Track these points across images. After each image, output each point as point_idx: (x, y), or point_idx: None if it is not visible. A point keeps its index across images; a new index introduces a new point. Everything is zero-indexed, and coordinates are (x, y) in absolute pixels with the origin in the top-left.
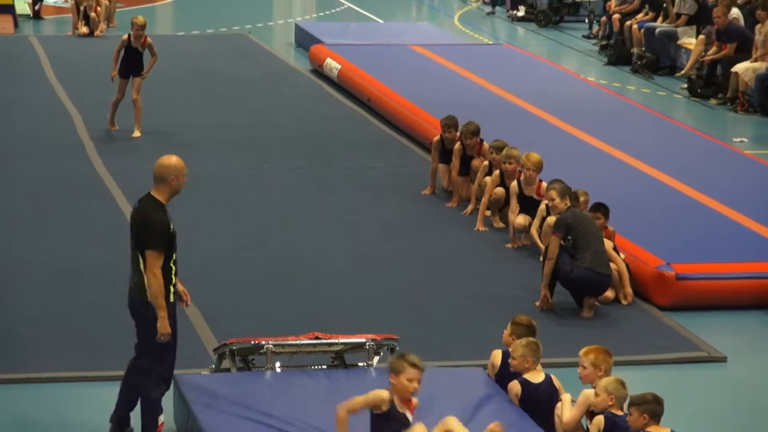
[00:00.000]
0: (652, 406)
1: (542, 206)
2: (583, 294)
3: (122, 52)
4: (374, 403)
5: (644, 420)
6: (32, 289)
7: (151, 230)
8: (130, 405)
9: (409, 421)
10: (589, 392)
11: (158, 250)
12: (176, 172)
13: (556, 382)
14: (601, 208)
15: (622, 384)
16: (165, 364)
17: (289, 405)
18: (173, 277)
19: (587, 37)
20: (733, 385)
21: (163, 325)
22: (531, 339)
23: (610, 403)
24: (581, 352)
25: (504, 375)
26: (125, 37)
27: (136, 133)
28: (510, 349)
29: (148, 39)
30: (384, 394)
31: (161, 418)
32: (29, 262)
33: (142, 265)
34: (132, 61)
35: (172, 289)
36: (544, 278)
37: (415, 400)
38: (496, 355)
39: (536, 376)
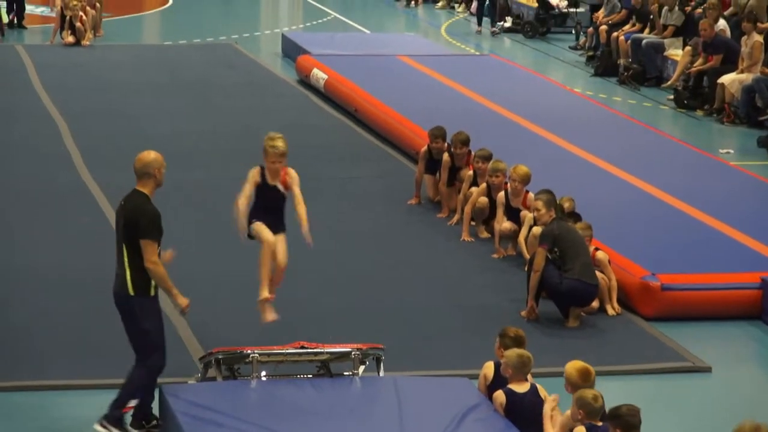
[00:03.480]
0: (624, 419)
1: (528, 215)
2: (572, 304)
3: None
4: None
5: None
6: (20, 298)
7: (145, 220)
8: (145, 397)
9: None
10: (569, 413)
11: (153, 239)
12: (158, 165)
13: (542, 392)
14: (573, 216)
15: (594, 398)
16: (155, 356)
17: (275, 414)
18: None
19: (574, 48)
20: (717, 395)
21: (180, 301)
22: (522, 352)
23: (579, 417)
24: (566, 367)
25: (497, 387)
26: (256, 172)
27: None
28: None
29: (292, 173)
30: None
31: (132, 402)
32: (15, 270)
33: (126, 259)
34: (273, 208)
35: (153, 282)
36: (530, 290)
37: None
38: (489, 367)
39: (521, 386)
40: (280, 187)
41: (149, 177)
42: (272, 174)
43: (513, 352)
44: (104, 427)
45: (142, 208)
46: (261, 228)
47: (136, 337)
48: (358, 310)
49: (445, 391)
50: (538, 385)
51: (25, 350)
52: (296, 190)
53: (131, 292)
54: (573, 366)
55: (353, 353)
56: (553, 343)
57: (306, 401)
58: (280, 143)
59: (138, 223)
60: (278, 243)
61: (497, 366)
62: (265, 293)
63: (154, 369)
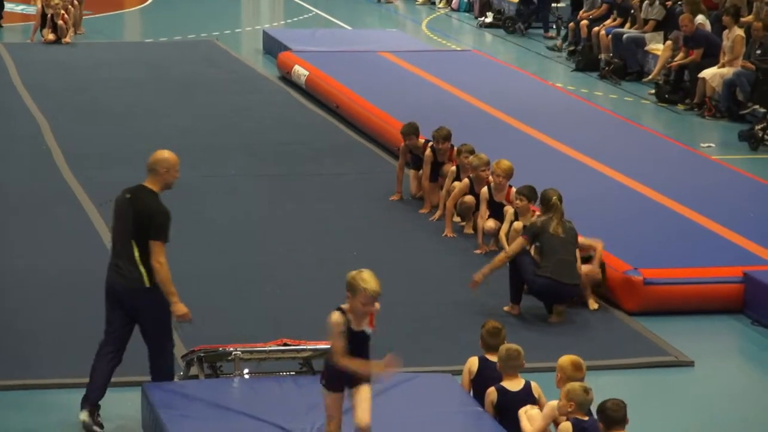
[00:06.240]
0: (607, 414)
1: (510, 210)
2: (544, 301)
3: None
4: None
5: (602, 428)
6: (2, 297)
7: (159, 220)
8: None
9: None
10: (553, 403)
11: (164, 240)
12: (167, 165)
13: (536, 390)
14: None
15: (585, 390)
16: (172, 340)
17: (258, 412)
18: None
19: (552, 49)
20: (700, 389)
21: (178, 308)
22: (511, 346)
23: (569, 409)
24: (559, 359)
25: (481, 381)
26: (339, 320)
27: None
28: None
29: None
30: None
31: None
32: None
33: (137, 255)
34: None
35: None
36: (491, 263)
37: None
38: (473, 362)
39: (515, 384)
40: (367, 329)
41: (156, 174)
42: (358, 318)
43: (503, 346)
44: None
45: (155, 207)
46: (331, 404)
47: (157, 327)
48: None
49: (428, 388)
50: (533, 383)
51: (8, 349)
52: None
53: (147, 284)
54: (567, 358)
55: None
56: (536, 338)
57: (288, 398)
58: (374, 284)
59: (151, 222)
60: (358, 402)
61: (481, 360)
62: None
63: (172, 352)
